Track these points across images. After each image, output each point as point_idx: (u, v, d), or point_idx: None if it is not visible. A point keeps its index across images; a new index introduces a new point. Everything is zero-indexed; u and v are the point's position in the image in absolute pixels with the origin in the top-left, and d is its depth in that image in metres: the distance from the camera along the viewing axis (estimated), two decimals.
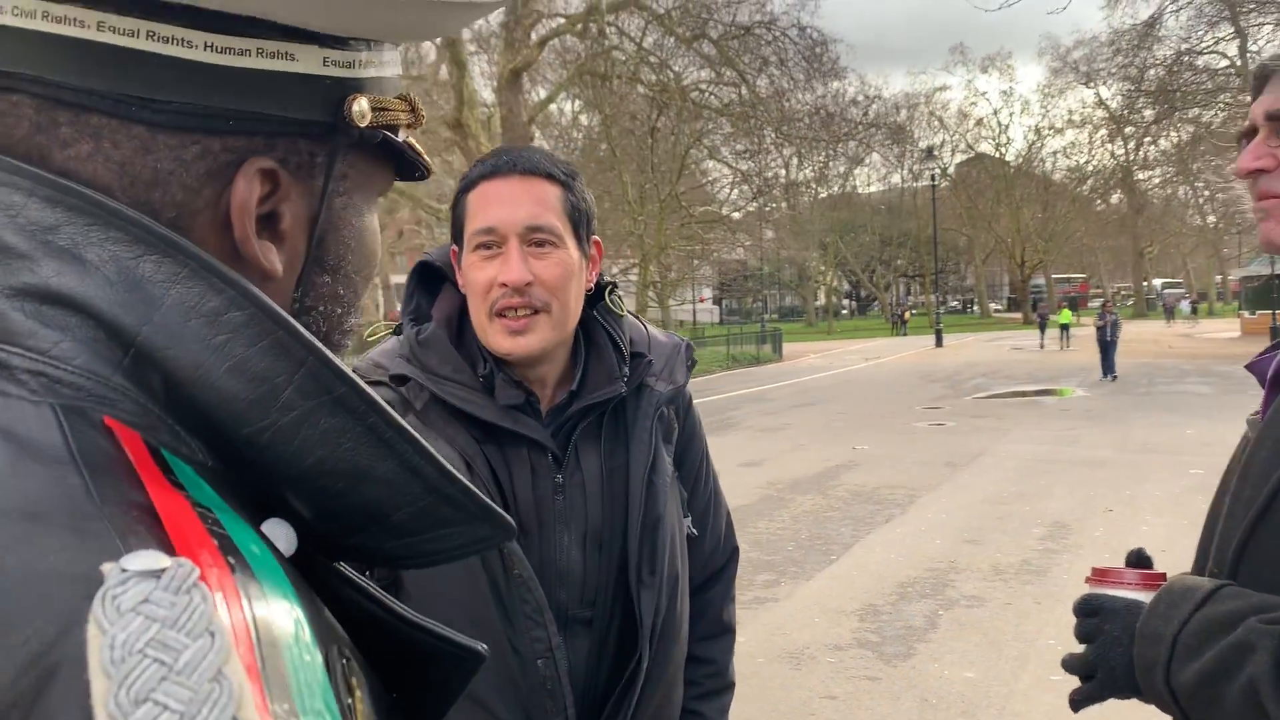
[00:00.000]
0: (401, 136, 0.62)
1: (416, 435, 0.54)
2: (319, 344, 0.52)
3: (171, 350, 0.49)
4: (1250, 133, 1.28)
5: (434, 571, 1.29)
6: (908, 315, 53.11)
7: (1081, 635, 1.31)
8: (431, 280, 1.45)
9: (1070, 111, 53.53)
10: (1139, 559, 1.40)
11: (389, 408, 0.54)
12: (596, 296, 1.46)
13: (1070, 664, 1.33)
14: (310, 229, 0.58)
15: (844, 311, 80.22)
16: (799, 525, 8.15)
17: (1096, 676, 1.27)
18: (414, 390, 1.34)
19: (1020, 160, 60.58)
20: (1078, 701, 1.32)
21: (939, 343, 36.64)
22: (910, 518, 8.32)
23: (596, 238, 1.44)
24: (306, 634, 0.43)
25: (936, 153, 52.21)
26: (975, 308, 75.58)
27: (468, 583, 1.30)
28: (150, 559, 0.39)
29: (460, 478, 0.56)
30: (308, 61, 0.55)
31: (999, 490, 9.29)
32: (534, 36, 23.35)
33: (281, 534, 0.51)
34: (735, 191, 43.60)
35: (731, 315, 74.16)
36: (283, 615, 0.42)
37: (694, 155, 36.01)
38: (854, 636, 5.41)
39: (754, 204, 45.21)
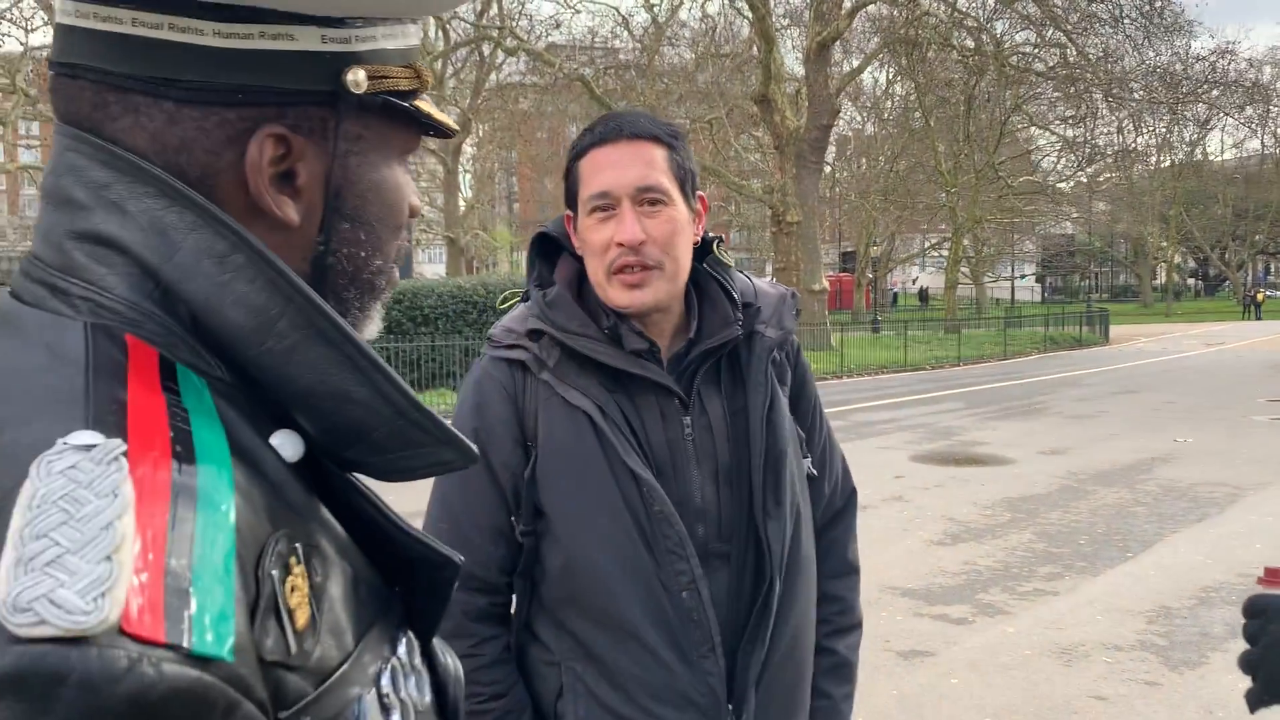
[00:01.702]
0: (413, 101, 0.71)
1: (387, 366, 0.64)
2: (304, 284, 0.63)
3: (187, 285, 0.62)
4: None
5: (582, 513, 1.42)
6: (1260, 296, 47.20)
7: (1248, 636, 1.23)
8: (550, 250, 1.56)
9: None
10: None
11: (365, 343, 0.64)
12: (704, 250, 1.52)
13: (1241, 664, 1.25)
14: (326, 183, 0.68)
15: (1189, 292, 72.70)
16: (1096, 519, 7.62)
17: (1259, 679, 1.19)
18: (546, 349, 1.46)
19: None
20: (1250, 703, 1.24)
21: None
22: (1229, 518, 7.54)
23: (702, 194, 1.51)
24: (227, 511, 0.53)
25: None
26: None
27: (614, 522, 1.40)
28: (90, 437, 0.51)
29: (424, 405, 0.66)
30: (307, 40, 0.65)
31: None
32: (845, 7, 22.93)
33: (289, 442, 0.63)
34: (1061, 160, 40.66)
35: (1055, 294, 69.49)
36: (205, 493, 0.53)
37: (1014, 122, 33.94)
38: (1138, 638, 5.03)
39: (1083, 173, 41.98)
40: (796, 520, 1.49)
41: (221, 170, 0.65)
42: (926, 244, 49.57)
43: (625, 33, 28.07)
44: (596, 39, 28.97)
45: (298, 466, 0.63)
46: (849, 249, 48.79)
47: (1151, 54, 22.74)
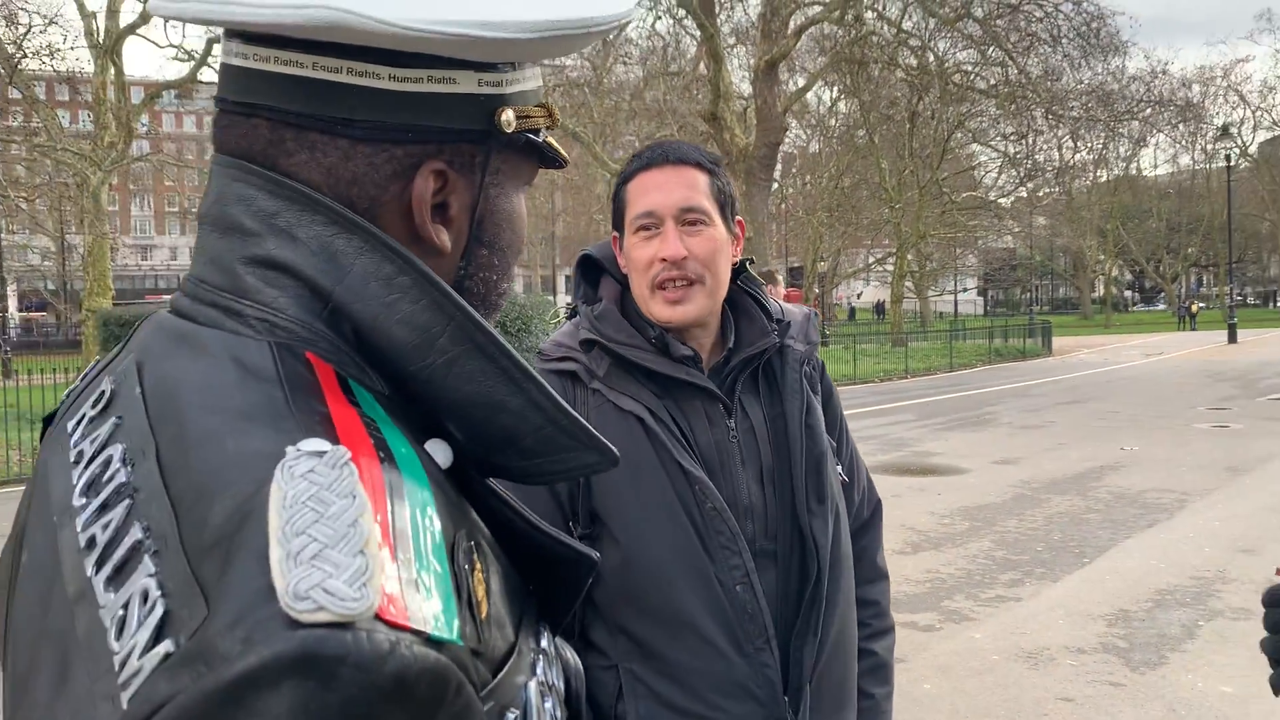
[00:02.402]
0: (543, 137, 0.78)
1: (539, 377, 0.69)
2: (465, 303, 0.68)
3: (357, 305, 0.66)
4: None
5: (639, 513, 1.48)
6: (1195, 308, 48.59)
7: (1268, 625, 1.30)
8: (591, 271, 1.65)
9: None
10: None
11: (519, 355, 0.69)
12: (738, 270, 1.62)
13: (1264, 649, 1.32)
14: (472, 213, 0.74)
15: (1126, 304, 74.50)
16: (1051, 526, 7.80)
17: None
18: (596, 360, 1.54)
19: None
20: (1274, 686, 1.32)
21: (1232, 338, 33.39)
22: (1178, 523, 7.76)
23: (740, 218, 1.61)
24: (431, 511, 0.58)
25: (1235, 130, 47.35)
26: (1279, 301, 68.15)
27: (671, 519, 1.47)
28: (318, 444, 0.56)
29: (572, 412, 0.71)
30: (466, 84, 0.70)
31: None
32: (791, 26, 23.25)
33: (440, 451, 0.68)
34: (1002, 176, 41.52)
35: (998, 307, 70.78)
36: (413, 494, 0.58)
37: (957, 139, 34.60)
38: (1100, 641, 5.17)
39: (1023, 189, 42.87)
40: (837, 519, 1.56)
41: (387, 202, 0.70)
42: (871, 259, 50.23)
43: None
44: None
45: (446, 473, 0.68)
46: (796, 264, 49.32)
47: (1088, 73, 23.37)
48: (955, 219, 38.92)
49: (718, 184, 1.55)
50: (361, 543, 0.52)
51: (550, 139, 0.79)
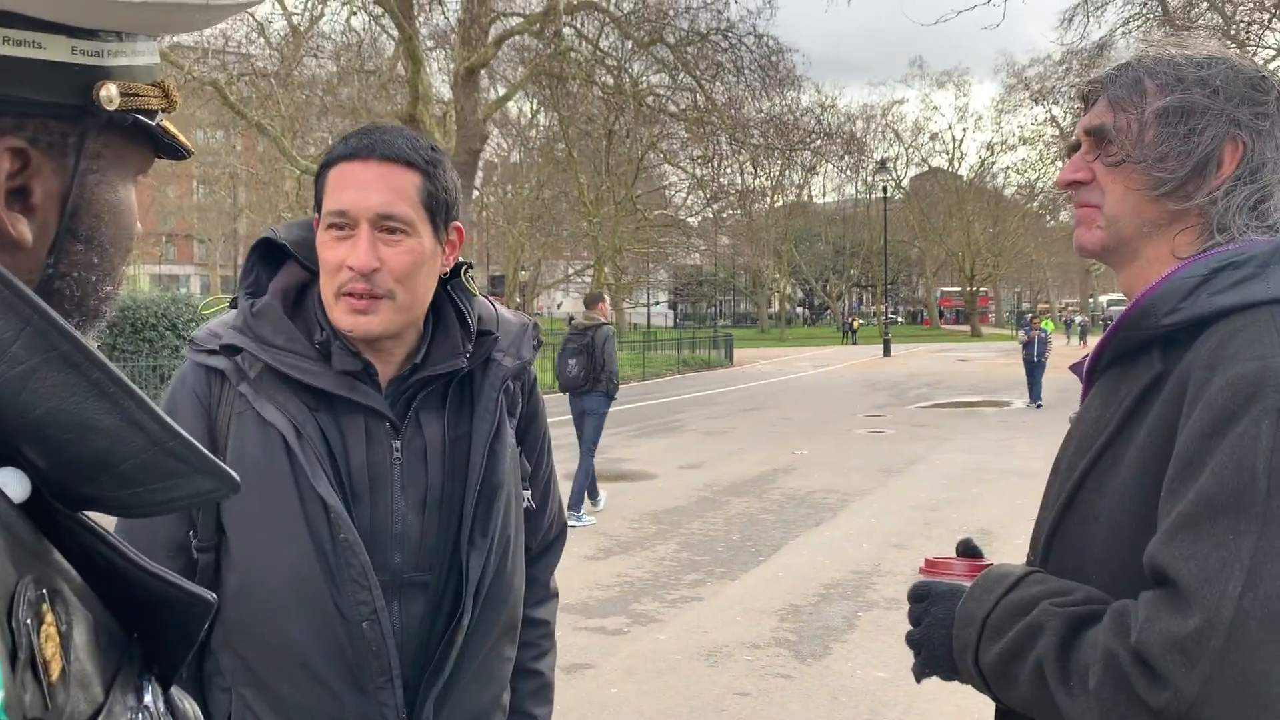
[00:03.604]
0: (159, 120, 0.67)
1: (139, 391, 0.58)
2: (44, 304, 0.56)
3: None
4: (1076, 147, 1.36)
5: (262, 535, 1.35)
6: (856, 324, 53.67)
7: (912, 619, 1.37)
8: (275, 256, 1.48)
9: (1021, 128, 54.01)
10: (968, 549, 1.47)
11: (112, 365, 0.58)
12: (452, 274, 1.49)
13: (908, 642, 1.40)
14: (63, 202, 0.63)
15: (798, 319, 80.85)
16: (731, 527, 8.24)
17: (922, 655, 1.34)
18: (248, 360, 1.38)
19: (973, 175, 61.34)
20: (916, 674, 1.40)
21: (886, 352, 37.05)
22: (840, 522, 8.43)
23: (458, 223, 1.46)
24: None
25: (891, 165, 52.70)
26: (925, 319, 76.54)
27: (294, 547, 1.34)
28: None
29: (182, 432, 0.60)
30: (56, 50, 0.59)
31: (930, 497, 9.45)
32: (491, 35, 23.24)
33: (13, 481, 0.56)
34: (691, 197, 43.79)
35: (686, 320, 74.51)
36: None
37: (650, 159, 36.08)
38: (773, 636, 5.49)
39: (710, 209, 45.41)
40: (503, 551, 1.47)
41: None
42: (571, 270, 51.33)
43: (262, 39, 26.63)
44: (230, 43, 27.24)
45: (21, 508, 0.56)
46: (498, 273, 49.41)
47: (767, 103, 25.03)
48: (648, 235, 40.59)
49: (430, 187, 1.37)
50: None
51: (168, 123, 0.69)
